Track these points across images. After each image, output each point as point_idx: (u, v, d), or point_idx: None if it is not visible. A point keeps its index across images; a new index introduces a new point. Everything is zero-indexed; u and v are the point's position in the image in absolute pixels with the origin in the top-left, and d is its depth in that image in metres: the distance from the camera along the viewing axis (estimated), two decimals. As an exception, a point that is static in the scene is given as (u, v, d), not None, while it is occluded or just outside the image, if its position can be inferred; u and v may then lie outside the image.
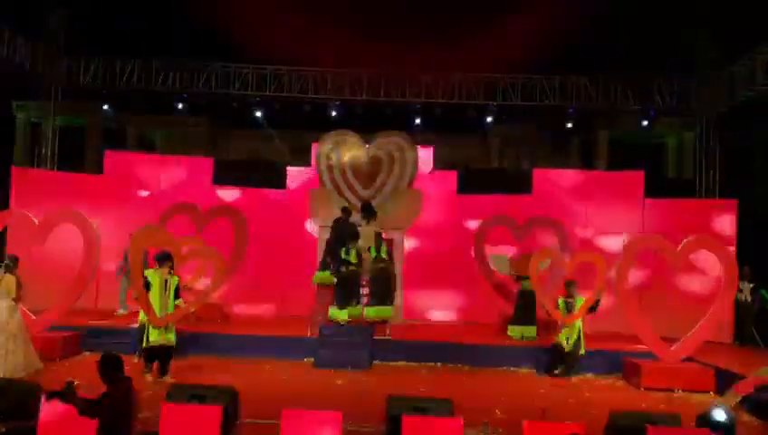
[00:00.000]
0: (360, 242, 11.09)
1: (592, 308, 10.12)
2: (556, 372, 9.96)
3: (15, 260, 8.94)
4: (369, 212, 11.84)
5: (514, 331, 11.48)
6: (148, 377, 8.64)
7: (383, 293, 10.82)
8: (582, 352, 10.04)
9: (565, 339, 10.05)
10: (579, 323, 10.07)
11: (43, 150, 15.60)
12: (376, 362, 10.21)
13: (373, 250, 10.97)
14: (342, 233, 11.20)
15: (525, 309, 11.49)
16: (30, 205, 12.46)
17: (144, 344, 8.74)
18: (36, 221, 10.00)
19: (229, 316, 12.71)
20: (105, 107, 16.46)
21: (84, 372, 7.36)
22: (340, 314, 10.58)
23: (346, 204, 12.30)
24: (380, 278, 10.87)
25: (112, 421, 4.72)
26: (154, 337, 8.63)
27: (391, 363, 10.28)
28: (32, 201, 12.77)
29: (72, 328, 10.22)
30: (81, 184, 14.00)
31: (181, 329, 9.40)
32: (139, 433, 5.94)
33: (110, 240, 12.47)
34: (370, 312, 10.67)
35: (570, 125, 16.17)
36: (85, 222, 10.15)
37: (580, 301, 10.14)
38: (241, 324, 11.98)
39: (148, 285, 8.68)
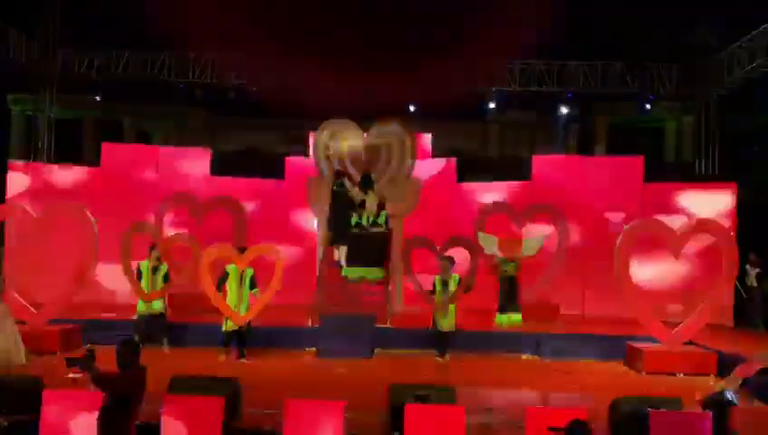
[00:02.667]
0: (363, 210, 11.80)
1: (468, 288, 10.23)
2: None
3: None
4: (367, 183, 12.17)
5: (501, 319, 11.48)
6: (222, 358, 9.40)
7: (379, 256, 11.47)
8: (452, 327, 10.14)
9: (443, 319, 10.04)
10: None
11: (40, 144, 15.52)
12: (377, 350, 10.22)
13: (372, 218, 11.63)
14: (343, 204, 11.87)
15: (509, 295, 11.50)
16: (27, 198, 12.44)
17: (223, 329, 9.48)
18: (34, 214, 9.96)
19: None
20: (97, 98, 16.31)
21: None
22: (349, 272, 11.42)
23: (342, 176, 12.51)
24: (377, 242, 11.53)
25: (119, 402, 4.72)
26: (231, 324, 9.37)
27: (393, 351, 10.29)
28: (29, 194, 12.73)
29: (72, 321, 10.19)
30: (78, 177, 13.94)
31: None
32: (141, 424, 5.95)
33: (109, 233, 12.44)
34: (366, 273, 11.29)
35: (565, 111, 16.07)
36: (83, 215, 10.11)
37: (455, 278, 10.12)
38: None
39: (225, 278, 9.40)
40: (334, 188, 12.13)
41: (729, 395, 6.25)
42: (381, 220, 11.67)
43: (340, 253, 11.81)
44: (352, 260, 11.54)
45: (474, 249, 11.12)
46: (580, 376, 9.13)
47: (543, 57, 15.41)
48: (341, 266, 11.66)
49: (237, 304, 9.39)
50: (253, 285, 9.50)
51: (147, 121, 22.79)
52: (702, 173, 14.74)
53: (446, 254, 10.65)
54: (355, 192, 12.19)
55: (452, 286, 10.10)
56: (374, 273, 11.44)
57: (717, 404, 6.22)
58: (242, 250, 9.79)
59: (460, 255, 10.87)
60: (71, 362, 4.62)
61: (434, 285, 10.25)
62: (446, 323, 10.09)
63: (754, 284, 12.33)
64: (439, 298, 10.13)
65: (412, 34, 15.56)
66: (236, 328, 9.38)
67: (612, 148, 20.22)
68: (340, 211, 11.84)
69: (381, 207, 11.77)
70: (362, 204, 11.90)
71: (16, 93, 20.47)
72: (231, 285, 9.39)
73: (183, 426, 5.69)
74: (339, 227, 11.83)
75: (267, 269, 9.99)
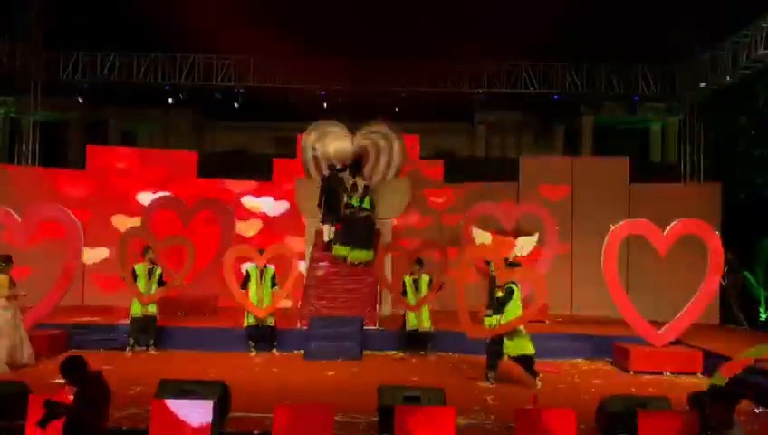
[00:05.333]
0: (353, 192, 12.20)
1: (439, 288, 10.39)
2: (422, 353, 10.13)
3: (8, 259, 8.93)
4: (356, 168, 12.69)
5: (490, 321, 11.44)
6: (253, 353, 9.96)
7: (365, 238, 11.83)
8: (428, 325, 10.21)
9: (414, 319, 10.13)
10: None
11: (24, 146, 15.35)
12: (366, 352, 10.20)
13: (356, 200, 12.01)
14: (335, 186, 12.31)
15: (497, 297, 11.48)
16: (11, 201, 12.28)
17: (245, 324, 10.06)
18: (18, 218, 9.85)
19: (217, 310, 12.62)
20: (81, 100, 16.15)
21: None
22: (342, 250, 11.78)
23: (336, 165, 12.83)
24: (363, 225, 11.87)
25: (91, 416, 4.69)
26: (251, 319, 10.01)
27: (382, 353, 10.28)
28: (13, 198, 12.58)
29: (58, 326, 10.10)
30: (62, 180, 13.81)
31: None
32: (129, 429, 5.91)
33: (95, 236, 12.35)
34: (354, 254, 11.63)
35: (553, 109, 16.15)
36: (68, 217, 10.02)
37: (426, 279, 10.27)
38: (229, 318, 11.90)
39: (248, 279, 10.07)
40: (326, 172, 12.58)
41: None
42: (366, 204, 12.01)
43: (329, 232, 12.17)
44: (341, 240, 11.90)
45: (443, 250, 11.22)
46: (568, 376, 9.17)
47: (530, 58, 15.48)
48: (331, 245, 12.04)
49: (259, 302, 10.01)
50: (274, 284, 10.17)
51: (132, 123, 22.61)
52: (687, 173, 14.87)
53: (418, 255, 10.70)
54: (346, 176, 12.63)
55: (423, 287, 10.22)
56: (360, 255, 11.72)
57: (702, 402, 6.28)
58: (261, 251, 10.42)
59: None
60: (42, 423, 4.61)
61: (404, 286, 10.35)
62: (421, 324, 10.15)
63: (722, 281, 12.43)
64: (411, 298, 10.24)
65: (399, 37, 15.58)
66: (258, 323, 9.98)
67: (598, 149, 20.35)
68: (332, 192, 12.25)
69: (366, 190, 12.15)
70: (354, 187, 12.31)
71: (-1, 95, 20.21)
72: (252, 285, 10.07)
73: (171, 430, 5.66)
74: (329, 207, 12.21)
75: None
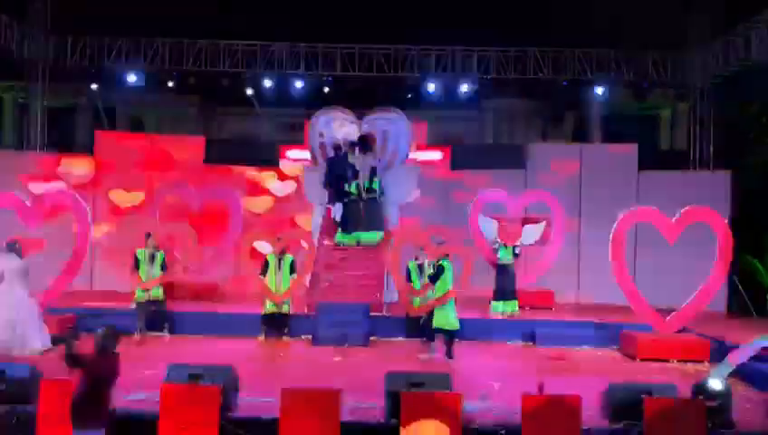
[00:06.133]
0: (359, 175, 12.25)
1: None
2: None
3: (19, 244, 9.04)
4: (365, 146, 12.56)
5: (497, 307, 11.49)
6: (261, 338, 10.06)
7: (372, 220, 11.94)
8: None
9: (419, 304, 10.09)
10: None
11: (32, 132, 15.40)
12: (373, 338, 10.25)
13: (355, 187, 12.03)
14: (341, 168, 12.27)
15: (505, 283, 11.51)
16: (20, 187, 12.38)
17: (263, 312, 10.16)
18: (28, 203, 9.92)
19: (225, 295, 12.70)
20: (93, 86, 16.16)
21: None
22: (343, 238, 11.92)
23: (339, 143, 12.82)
24: (368, 209, 11.95)
25: (92, 386, 4.77)
26: (269, 307, 10.06)
27: (389, 339, 10.32)
28: (22, 183, 12.68)
29: (67, 310, 10.19)
30: (71, 165, 13.87)
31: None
32: (138, 413, 5.98)
33: (103, 221, 12.43)
34: (362, 236, 11.70)
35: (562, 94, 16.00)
36: (77, 202, 10.08)
37: (431, 264, 10.13)
38: (238, 303, 11.98)
39: (267, 266, 10.13)
40: (332, 155, 12.60)
41: (712, 383, 6.29)
42: (375, 185, 12.11)
43: (336, 210, 12.25)
44: (348, 227, 11.94)
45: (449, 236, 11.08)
46: (575, 363, 9.19)
47: (539, 44, 15.35)
48: (338, 226, 12.10)
49: (277, 288, 10.08)
50: (292, 270, 10.25)
51: (140, 109, 22.59)
52: (696, 160, 14.77)
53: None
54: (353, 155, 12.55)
55: (428, 272, 10.12)
56: (370, 237, 11.78)
57: (704, 392, 6.29)
58: (278, 239, 10.59)
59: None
60: (56, 340, 4.69)
61: (408, 272, 10.34)
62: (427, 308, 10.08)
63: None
64: (416, 283, 10.26)
65: (408, 23, 15.47)
66: (274, 311, 10.09)
67: (607, 135, 20.20)
68: (337, 174, 12.26)
69: (374, 172, 12.20)
70: (360, 170, 12.25)
71: (7, 81, 20.25)
72: (270, 272, 10.14)
73: (180, 414, 5.71)
74: (335, 189, 12.26)
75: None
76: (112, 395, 4.96)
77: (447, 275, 9.24)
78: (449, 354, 9.09)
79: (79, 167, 13.89)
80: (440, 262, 9.37)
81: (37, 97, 15.46)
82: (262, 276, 10.19)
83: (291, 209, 14.26)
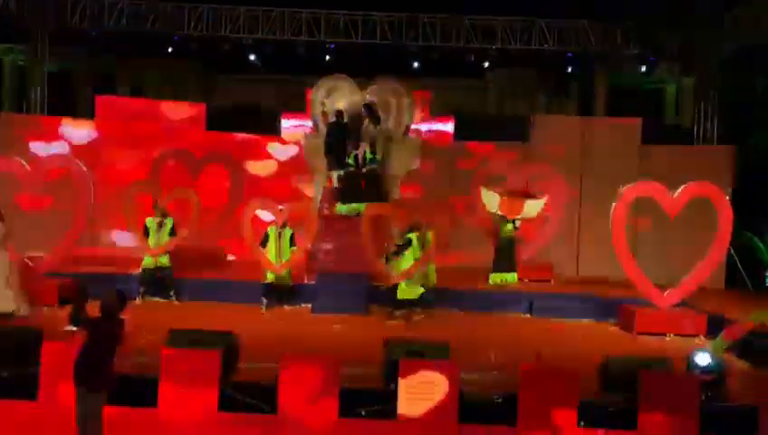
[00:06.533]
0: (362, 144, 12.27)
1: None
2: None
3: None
4: (373, 114, 12.48)
5: (495, 278, 11.54)
6: (263, 309, 10.01)
7: (372, 192, 11.88)
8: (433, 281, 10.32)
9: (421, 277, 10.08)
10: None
11: (33, 96, 15.28)
12: (373, 306, 10.31)
13: (353, 158, 12.05)
14: (341, 134, 12.21)
15: (505, 255, 11.54)
16: (21, 150, 12.35)
17: (263, 283, 10.12)
18: (28, 167, 9.89)
19: (226, 262, 12.75)
20: (90, 49, 15.92)
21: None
22: (342, 208, 11.88)
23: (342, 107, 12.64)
24: (370, 179, 11.99)
25: (95, 347, 4.84)
26: (270, 278, 10.09)
27: (388, 308, 10.37)
28: (22, 147, 12.64)
29: (70, 275, 10.23)
30: (71, 129, 13.80)
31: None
32: (139, 377, 6.05)
33: (104, 186, 12.40)
34: (362, 208, 11.46)
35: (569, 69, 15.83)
36: (78, 167, 10.06)
37: (431, 236, 10.18)
38: (238, 270, 12.03)
39: (266, 239, 10.12)
40: (333, 121, 12.43)
41: (700, 358, 6.36)
42: (376, 157, 12.07)
43: (336, 179, 12.24)
44: (347, 197, 11.93)
45: (451, 207, 11.65)
46: (573, 336, 9.26)
47: (545, 15, 15.13)
48: (338, 196, 12.06)
49: (277, 260, 10.08)
50: (292, 243, 10.22)
51: (140, 74, 22.39)
52: (701, 136, 14.68)
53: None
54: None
55: (428, 244, 10.18)
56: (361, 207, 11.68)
57: (702, 365, 6.36)
58: (280, 210, 10.57)
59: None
60: (64, 302, 4.76)
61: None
62: (427, 280, 10.20)
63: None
64: (416, 255, 10.19)
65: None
66: (275, 283, 10.09)
67: (611, 109, 20.06)
68: (338, 139, 12.20)
69: (374, 142, 12.17)
70: (356, 144, 12.23)
71: (7, 43, 20.02)
72: (270, 245, 10.12)
73: (180, 378, 5.79)
74: (335, 156, 12.19)
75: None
76: (115, 360, 5.01)
77: (414, 249, 9.69)
78: (409, 318, 9.56)
79: (79, 130, 13.81)
80: (407, 235, 9.77)
81: (37, 60, 15.31)
82: (262, 248, 10.19)
83: (293, 173, 14.22)
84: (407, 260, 9.73)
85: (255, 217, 11.20)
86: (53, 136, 13.40)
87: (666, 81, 21.14)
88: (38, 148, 12.94)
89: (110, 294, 4.98)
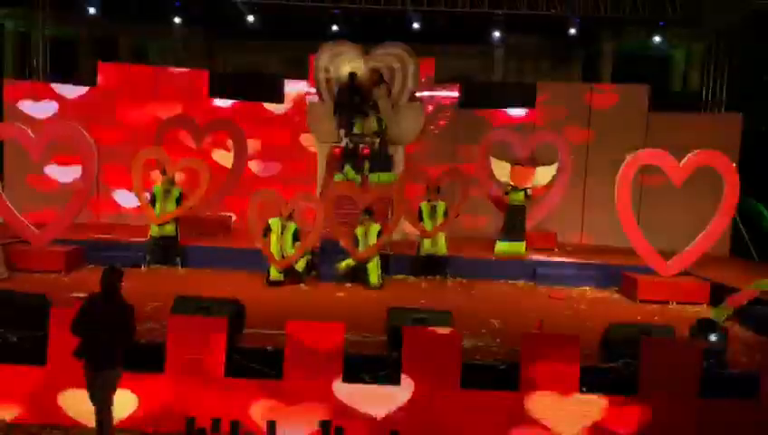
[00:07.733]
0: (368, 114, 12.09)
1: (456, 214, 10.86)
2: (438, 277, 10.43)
3: None
4: (385, 82, 12.38)
5: (502, 246, 11.55)
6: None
7: (378, 161, 11.72)
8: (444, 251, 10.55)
9: (429, 245, 10.44)
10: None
11: (35, 61, 15.16)
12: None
13: (360, 126, 11.92)
14: (350, 103, 12.13)
15: (514, 224, 11.54)
16: (24, 118, 12.33)
17: (269, 278, 9.69)
18: (32, 134, 9.86)
19: (231, 229, 12.79)
20: (92, 10, 15.65)
21: (88, 285, 7.47)
22: (351, 175, 11.64)
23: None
24: (377, 148, 11.80)
25: (103, 332, 4.97)
26: (274, 275, 9.64)
27: (392, 277, 10.44)
28: (25, 115, 12.60)
29: (75, 242, 10.29)
30: (74, 95, 13.73)
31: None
32: (146, 343, 6.12)
33: (108, 153, 12.40)
34: (371, 178, 11.51)
35: (574, 32, 15.49)
36: (81, 135, 10.02)
37: (443, 206, 10.51)
38: (242, 238, 12.05)
39: (268, 230, 9.72)
40: (345, 83, 12.39)
41: (712, 324, 6.41)
42: (383, 125, 11.96)
43: (342, 134, 12.12)
44: (355, 165, 11.72)
45: (465, 179, 11.47)
46: (575, 303, 9.31)
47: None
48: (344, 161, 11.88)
49: (280, 255, 9.72)
50: (296, 239, 9.81)
51: (143, 40, 22.16)
52: (709, 102, 14.51)
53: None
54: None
55: (439, 214, 10.41)
56: (381, 177, 11.60)
57: (704, 332, 6.40)
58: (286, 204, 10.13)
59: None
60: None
61: (420, 212, 10.50)
62: (438, 250, 10.41)
63: None
64: (427, 224, 10.40)
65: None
66: (279, 280, 9.64)
67: (618, 76, 19.80)
68: (349, 101, 12.15)
69: (377, 109, 12.07)
70: (362, 113, 12.08)
71: (7, 7, 19.76)
72: (273, 238, 9.74)
73: (187, 345, 5.85)
74: (346, 115, 12.11)
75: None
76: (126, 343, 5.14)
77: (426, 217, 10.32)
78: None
79: (82, 97, 13.73)
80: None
81: (38, 25, 15.15)
82: (264, 238, 9.78)
83: (296, 140, 14.20)
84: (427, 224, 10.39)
85: (262, 206, 10.85)
86: (58, 102, 13.38)
87: (674, 46, 20.82)
88: (30, 102, 13.03)
89: (106, 274, 5.02)
